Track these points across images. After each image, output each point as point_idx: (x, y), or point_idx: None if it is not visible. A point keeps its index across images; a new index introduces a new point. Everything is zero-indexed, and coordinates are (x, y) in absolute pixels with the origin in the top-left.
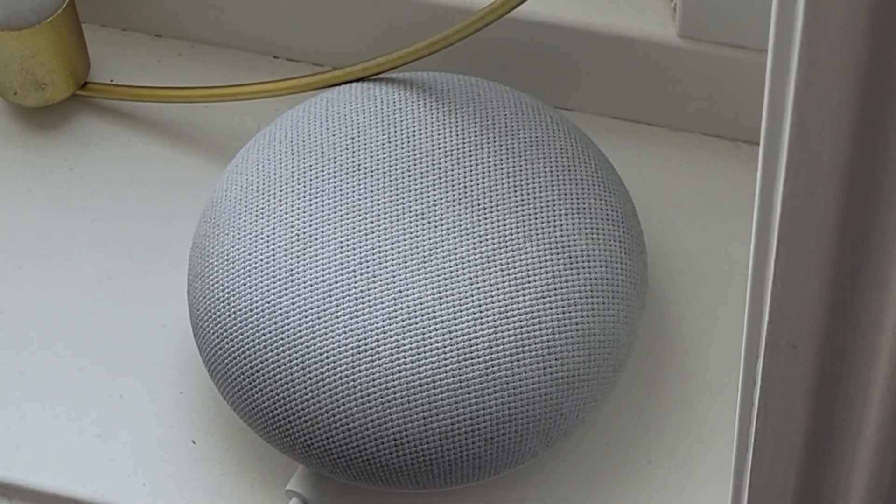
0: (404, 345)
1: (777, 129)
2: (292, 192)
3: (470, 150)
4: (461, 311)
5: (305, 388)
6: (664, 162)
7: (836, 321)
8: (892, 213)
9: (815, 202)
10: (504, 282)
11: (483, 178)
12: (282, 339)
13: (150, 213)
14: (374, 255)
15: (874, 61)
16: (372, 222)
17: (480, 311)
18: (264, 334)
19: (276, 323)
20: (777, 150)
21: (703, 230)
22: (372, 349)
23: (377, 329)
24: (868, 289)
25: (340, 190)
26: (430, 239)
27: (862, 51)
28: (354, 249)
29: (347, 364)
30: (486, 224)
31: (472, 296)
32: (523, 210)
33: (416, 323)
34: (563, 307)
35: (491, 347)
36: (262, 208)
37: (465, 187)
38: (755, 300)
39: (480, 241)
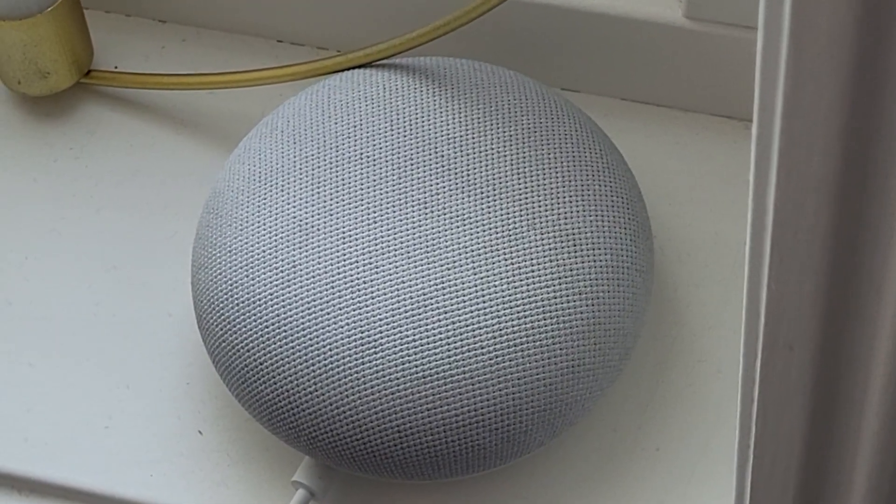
0: (408, 336)
1: (768, 135)
2: (294, 181)
3: (473, 137)
4: (465, 302)
5: (309, 381)
6: (672, 143)
7: (832, 323)
8: (883, 217)
9: (807, 208)
10: (508, 271)
11: (487, 165)
12: (285, 330)
13: (155, 202)
14: (376, 245)
15: (861, 67)
16: (374, 212)
17: (484, 301)
18: (267, 326)
19: (279, 315)
20: (768, 157)
21: (711, 212)
22: (375, 340)
23: (380, 320)
24: (862, 292)
25: (343, 179)
26: (433, 228)
27: (849, 57)
28: (357, 239)
29: (351, 356)
30: (489, 212)
31: (476, 286)
32: (527, 198)
33: (420, 313)
34: (567, 296)
35: (495, 338)
36: (264, 198)
37: (469, 175)
38: (752, 301)
39: (484, 230)
